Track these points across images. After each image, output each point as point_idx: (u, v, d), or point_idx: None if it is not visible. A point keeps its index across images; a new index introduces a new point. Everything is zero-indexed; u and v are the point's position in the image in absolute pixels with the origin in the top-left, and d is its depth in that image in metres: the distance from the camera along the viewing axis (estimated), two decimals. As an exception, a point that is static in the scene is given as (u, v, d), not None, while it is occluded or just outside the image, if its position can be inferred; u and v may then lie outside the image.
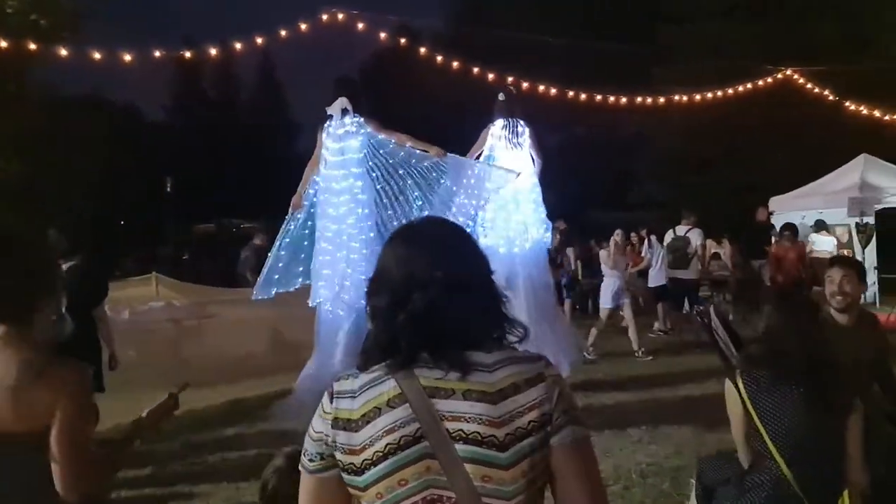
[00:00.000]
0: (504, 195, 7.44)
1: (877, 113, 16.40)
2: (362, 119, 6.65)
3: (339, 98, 6.67)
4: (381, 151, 6.65)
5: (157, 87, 37.02)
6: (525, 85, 12.53)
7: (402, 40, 12.68)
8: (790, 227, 11.06)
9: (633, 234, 15.04)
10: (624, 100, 14.05)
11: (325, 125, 6.72)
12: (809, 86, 15.51)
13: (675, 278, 11.54)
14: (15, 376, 2.12)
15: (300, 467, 1.62)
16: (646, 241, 12.93)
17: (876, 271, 13.01)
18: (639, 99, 14.75)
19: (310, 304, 6.70)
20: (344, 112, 6.64)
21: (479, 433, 1.45)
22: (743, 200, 22.72)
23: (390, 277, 1.59)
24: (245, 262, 12.95)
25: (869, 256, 13.10)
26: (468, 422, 1.46)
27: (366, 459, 1.49)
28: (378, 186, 6.63)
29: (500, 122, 7.76)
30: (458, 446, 1.46)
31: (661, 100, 15.13)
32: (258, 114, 38.26)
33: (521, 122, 7.79)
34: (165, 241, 29.51)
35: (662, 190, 26.49)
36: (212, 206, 32.95)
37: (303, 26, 10.77)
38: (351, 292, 6.32)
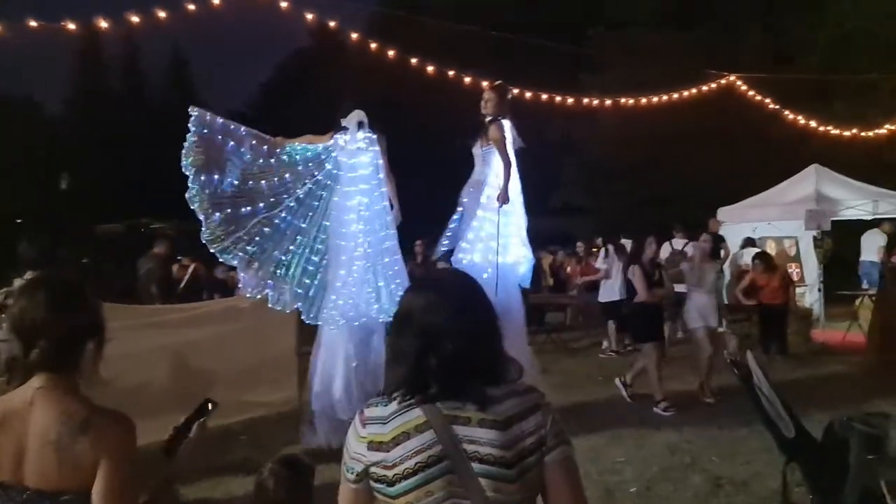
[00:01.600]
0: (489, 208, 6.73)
1: (812, 123, 16.02)
2: (375, 136, 6.58)
3: (356, 110, 6.55)
4: (378, 177, 6.70)
5: (58, 81, 34.48)
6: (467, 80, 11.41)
7: (332, 23, 11.18)
8: (763, 257, 10.44)
9: (579, 244, 14.10)
10: (549, 100, 13.16)
11: (337, 136, 6.60)
12: (751, 93, 14.92)
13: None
14: (57, 430, 2.00)
15: (342, 478, 1.89)
16: (602, 251, 11.81)
17: (820, 289, 12.29)
18: (569, 100, 13.82)
19: (304, 320, 6.80)
20: (360, 125, 6.54)
21: (492, 454, 1.76)
22: (666, 209, 22.53)
23: (418, 323, 1.85)
24: (147, 274, 11.30)
25: (814, 272, 12.44)
26: (483, 445, 1.77)
27: (397, 474, 1.78)
28: (377, 206, 6.67)
29: (508, 124, 6.86)
30: (475, 465, 1.76)
31: (586, 101, 14.29)
32: (169, 108, 35.92)
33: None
34: (62, 242, 26.89)
35: (586, 197, 25.88)
36: (121, 204, 30.59)
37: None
38: (353, 312, 6.37)
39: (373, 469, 1.82)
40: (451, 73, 11.37)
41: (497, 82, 7.22)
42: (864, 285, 12.85)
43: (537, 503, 1.85)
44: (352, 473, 1.87)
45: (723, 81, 14.31)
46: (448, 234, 7.17)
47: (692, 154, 20.95)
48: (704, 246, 8.78)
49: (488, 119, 6.80)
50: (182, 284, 10.84)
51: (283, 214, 6.57)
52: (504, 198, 6.54)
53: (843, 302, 12.35)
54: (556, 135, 25.02)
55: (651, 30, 21.78)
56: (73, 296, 2.13)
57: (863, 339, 10.74)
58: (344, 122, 6.55)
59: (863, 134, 16.06)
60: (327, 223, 6.72)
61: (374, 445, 1.82)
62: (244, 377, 7.93)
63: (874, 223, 13.22)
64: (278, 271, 6.59)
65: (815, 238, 11.50)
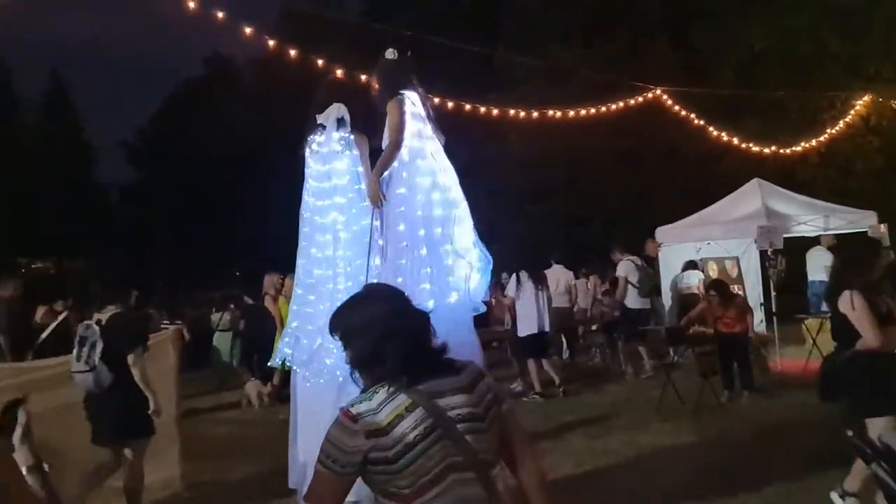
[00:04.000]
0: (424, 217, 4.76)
1: (735, 140, 15.23)
2: (352, 137, 5.01)
3: (334, 104, 5.05)
4: (356, 187, 4.99)
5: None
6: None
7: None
8: (718, 286, 9.18)
9: (504, 274, 12.51)
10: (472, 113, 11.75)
11: (310, 138, 5.08)
12: (677, 108, 13.92)
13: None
14: None
15: (326, 473, 2.10)
16: (513, 277, 10.14)
17: (763, 308, 11.14)
18: (493, 112, 12.45)
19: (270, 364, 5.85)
20: (339, 123, 5.03)
21: (470, 412, 2.12)
22: (583, 230, 21.55)
23: (377, 329, 2.15)
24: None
25: (756, 294, 11.29)
26: (461, 408, 2.12)
27: (398, 451, 2.04)
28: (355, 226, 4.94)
29: (414, 97, 4.88)
30: (459, 426, 2.09)
31: (512, 113, 12.91)
32: (47, 138, 32.76)
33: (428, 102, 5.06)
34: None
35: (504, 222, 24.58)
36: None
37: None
38: (334, 354, 4.52)
39: (372, 454, 2.05)
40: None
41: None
42: (819, 307, 11.84)
43: None
44: (345, 467, 2.07)
45: (649, 95, 13.17)
46: None
47: (611, 173, 19.95)
48: None
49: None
50: (43, 335, 8.51)
51: None
52: (375, 195, 4.70)
53: (788, 326, 11.19)
54: (464, 158, 23.68)
55: (558, 47, 20.67)
56: None
57: (823, 366, 9.71)
58: (320, 119, 5.05)
59: (785, 150, 15.39)
60: (300, 245, 5.13)
61: (372, 433, 2.05)
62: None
63: (815, 240, 12.32)
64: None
65: (767, 257, 10.28)
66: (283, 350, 5.09)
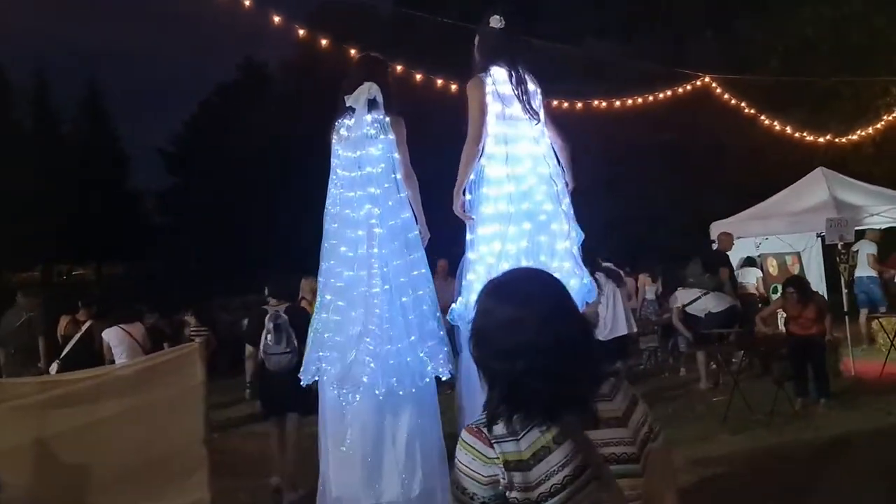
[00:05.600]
0: (508, 214, 4.00)
1: (788, 129, 14.31)
2: (388, 119, 4.33)
3: (365, 83, 4.37)
4: (393, 176, 4.33)
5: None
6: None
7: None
8: (797, 284, 8.30)
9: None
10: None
11: (337, 123, 4.45)
12: (727, 97, 13.06)
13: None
14: None
15: None
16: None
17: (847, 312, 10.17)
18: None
19: (301, 382, 4.48)
20: (371, 105, 4.34)
21: (625, 452, 1.69)
22: (625, 228, 20.70)
23: (505, 342, 1.66)
24: (27, 328, 8.60)
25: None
26: (615, 445, 1.69)
27: (542, 493, 1.63)
28: (392, 221, 4.27)
29: (500, 72, 4.13)
30: (613, 467, 1.67)
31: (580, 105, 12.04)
32: (83, 146, 32.71)
33: (532, 78, 4.21)
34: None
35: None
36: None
37: None
38: (370, 368, 3.99)
39: (514, 494, 1.65)
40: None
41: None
42: (867, 304, 10.98)
43: None
44: (483, 502, 1.68)
45: (697, 83, 12.32)
46: None
47: (653, 168, 19.11)
48: None
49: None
50: (69, 346, 8.00)
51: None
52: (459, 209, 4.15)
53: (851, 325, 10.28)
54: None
55: (596, 41, 19.87)
56: None
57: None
58: (349, 101, 4.37)
59: (841, 140, 14.43)
60: (326, 245, 4.45)
61: (513, 465, 1.65)
62: (128, 479, 5.32)
63: (860, 233, 11.39)
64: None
65: (837, 252, 9.38)
66: (312, 365, 4.41)
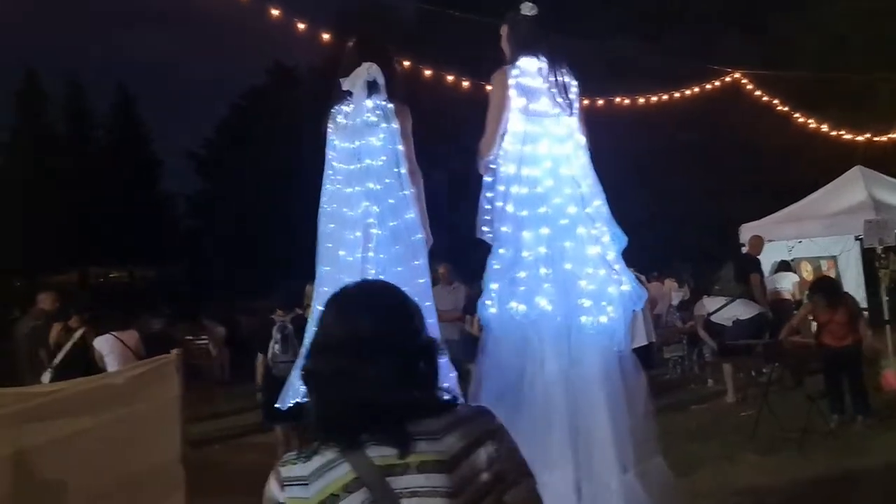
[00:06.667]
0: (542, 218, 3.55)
1: (824, 127, 13.55)
2: (392, 106, 3.72)
3: (364, 64, 3.73)
4: (395, 171, 3.72)
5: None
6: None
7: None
8: (824, 284, 7.77)
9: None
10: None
11: (333, 110, 3.82)
12: (758, 93, 12.37)
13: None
14: None
15: None
16: None
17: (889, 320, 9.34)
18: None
19: (280, 407, 3.94)
20: (371, 88, 3.72)
21: None
22: (649, 231, 19.97)
23: (332, 348, 1.47)
24: (32, 336, 8.30)
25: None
26: (427, 496, 1.39)
27: None
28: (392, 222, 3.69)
29: (530, 63, 3.65)
30: None
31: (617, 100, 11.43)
32: (115, 151, 32.83)
33: (566, 70, 3.71)
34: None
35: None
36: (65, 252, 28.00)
37: None
38: None
39: None
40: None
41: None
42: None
43: None
44: None
45: (727, 79, 11.66)
46: None
47: (678, 169, 18.41)
48: None
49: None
50: (61, 354, 7.61)
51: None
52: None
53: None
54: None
55: (621, 39, 19.20)
56: None
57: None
58: (346, 85, 3.76)
59: (881, 138, 13.65)
60: (321, 249, 3.87)
61: None
62: (102, 499, 4.89)
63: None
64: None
65: (877, 256, 8.65)
66: (297, 386, 3.77)
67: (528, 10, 3.70)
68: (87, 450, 5.03)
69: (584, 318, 3.41)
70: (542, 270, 3.44)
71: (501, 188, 3.59)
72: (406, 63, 7.94)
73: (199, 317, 14.62)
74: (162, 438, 5.12)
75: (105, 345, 7.26)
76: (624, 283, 3.55)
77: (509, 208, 3.56)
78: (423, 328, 1.57)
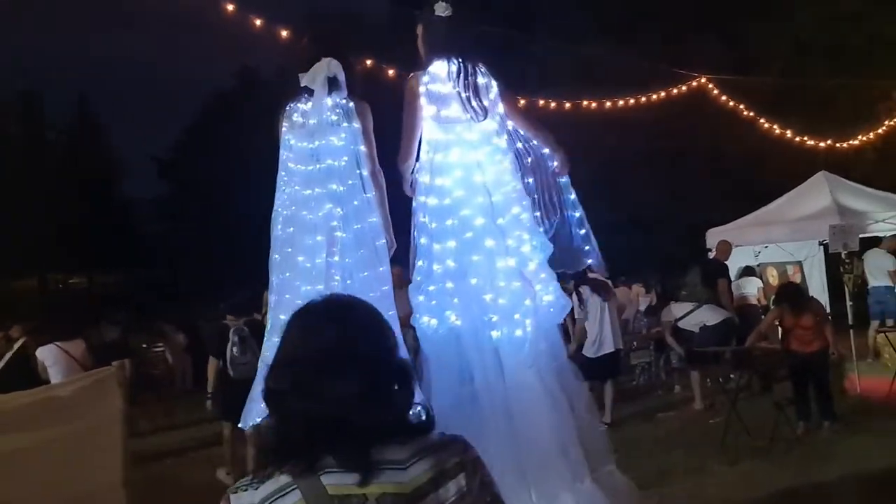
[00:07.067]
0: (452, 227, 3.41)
1: (789, 133, 13.58)
2: (351, 104, 3.53)
3: (324, 60, 3.51)
4: (358, 172, 3.54)
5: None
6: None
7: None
8: (787, 291, 7.72)
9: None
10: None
11: (289, 107, 3.62)
12: (724, 98, 12.34)
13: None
14: None
15: None
16: (574, 296, 8.55)
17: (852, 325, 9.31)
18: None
19: (243, 427, 3.80)
20: (331, 85, 3.50)
21: None
22: (617, 235, 19.92)
23: (292, 366, 1.35)
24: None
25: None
26: None
27: None
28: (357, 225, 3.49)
29: (441, 67, 3.48)
30: None
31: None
32: (75, 155, 32.04)
33: (483, 68, 3.55)
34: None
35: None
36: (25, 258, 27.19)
37: None
38: None
39: None
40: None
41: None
42: (881, 316, 10.23)
43: None
44: None
45: (693, 84, 11.60)
46: None
47: (646, 173, 18.37)
48: None
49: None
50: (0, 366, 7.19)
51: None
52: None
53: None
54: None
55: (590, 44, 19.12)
56: None
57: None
58: (304, 81, 3.53)
59: (842, 144, 13.72)
60: (276, 255, 3.64)
61: None
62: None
63: (875, 242, 10.61)
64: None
65: (841, 261, 8.60)
66: (259, 405, 3.61)
67: (441, 10, 3.52)
68: (27, 469, 4.73)
69: (494, 333, 3.25)
70: (449, 284, 3.31)
71: (422, 199, 3.46)
72: (368, 62, 7.69)
73: (158, 323, 14.21)
74: (103, 458, 4.82)
75: (48, 355, 6.90)
76: (547, 294, 3.40)
77: (424, 219, 3.44)
78: (396, 347, 1.44)
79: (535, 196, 3.56)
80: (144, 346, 11.48)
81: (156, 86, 44.86)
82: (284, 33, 8.01)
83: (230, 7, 7.21)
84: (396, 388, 1.36)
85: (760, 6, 17.97)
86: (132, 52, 49.12)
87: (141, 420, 9.82)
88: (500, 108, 3.55)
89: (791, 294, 7.57)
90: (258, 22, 7.71)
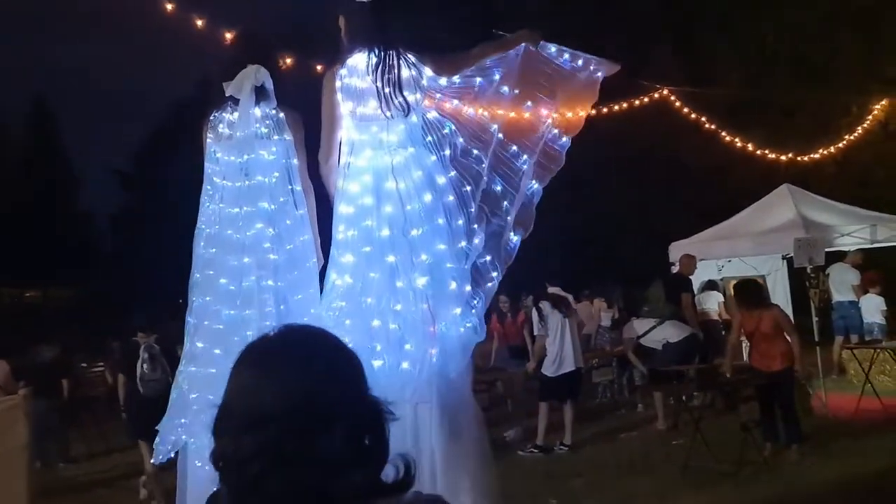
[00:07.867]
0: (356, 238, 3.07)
1: (750, 146, 13.43)
2: (281, 115, 3.20)
3: (250, 66, 3.17)
4: (289, 188, 3.21)
5: None
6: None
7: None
8: (742, 290, 7.40)
9: (501, 298, 10.55)
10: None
11: (213, 117, 3.24)
12: (686, 110, 12.16)
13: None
14: None
15: None
16: (534, 312, 8.20)
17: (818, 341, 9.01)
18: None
19: (153, 462, 3.54)
20: (258, 94, 3.15)
21: None
22: (581, 248, 19.68)
23: (239, 416, 1.07)
24: None
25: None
26: None
27: None
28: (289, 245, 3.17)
29: (360, 60, 3.09)
30: None
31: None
32: (31, 166, 31.13)
33: (411, 58, 3.13)
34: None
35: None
36: None
37: None
38: None
39: None
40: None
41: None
42: (845, 332, 10.06)
43: None
44: None
45: (655, 96, 11.37)
46: None
47: (610, 186, 18.20)
48: None
49: None
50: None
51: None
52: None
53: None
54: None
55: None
56: None
57: (879, 404, 8.01)
58: (229, 90, 3.20)
59: (803, 158, 13.62)
60: (197, 275, 3.27)
61: None
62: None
63: (839, 256, 10.44)
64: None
65: (806, 276, 8.35)
66: (173, 432, 3.21)
67: None
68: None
69: (375, 363, 2.84)
70: (340, 303, 2.97)
71: (336, 205, 3.15)
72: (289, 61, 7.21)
73: (108, 340, 13.56)
74: (5, 494, 4.32)
75: (-33, 378, 6.38)
76: (456, 325, 2.97)
77: (336, 227, 3.12)
78: (367, 387, 1.15)
79: (472, 205, 3.15)
80: (84, 364, 10.87)
81: (112, 97, 43.77)
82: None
83: (199, 22, 6.84)
84: (371, 438, 1.10)
85: (723, 19, 17.96)
86: (91, 61, 48.02)
87: (75, 444, 9.29)
88: (430, 103, 3.18)
89: (748, 291, 7.26)
90: (227, 35, 7.31)
